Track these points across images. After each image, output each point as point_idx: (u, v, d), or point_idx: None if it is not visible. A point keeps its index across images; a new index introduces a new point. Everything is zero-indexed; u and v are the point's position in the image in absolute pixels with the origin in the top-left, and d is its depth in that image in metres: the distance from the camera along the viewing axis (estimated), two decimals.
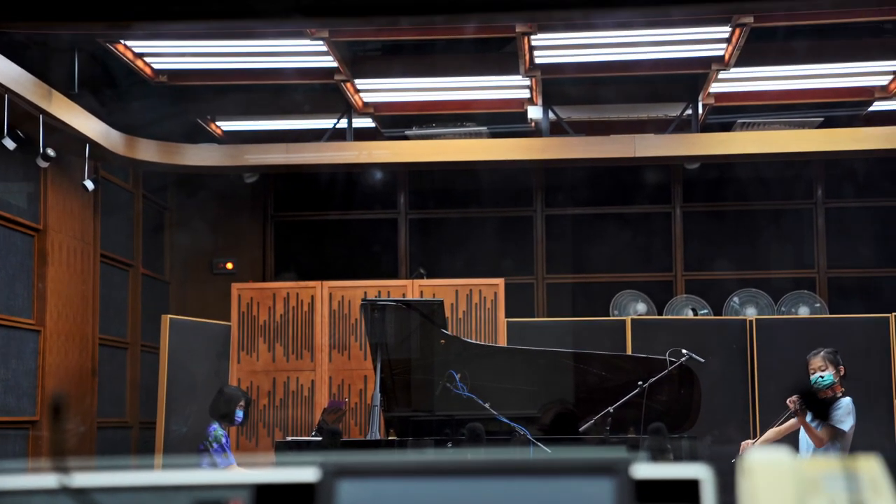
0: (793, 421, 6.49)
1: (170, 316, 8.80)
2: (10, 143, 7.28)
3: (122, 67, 8.50)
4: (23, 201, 8.18)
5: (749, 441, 6.62)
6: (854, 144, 9.19)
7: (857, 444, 6.45)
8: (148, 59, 8.47)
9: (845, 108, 9.76)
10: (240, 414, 7.64)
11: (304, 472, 1.69)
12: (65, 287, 8.57)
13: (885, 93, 9.10)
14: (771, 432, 6.59)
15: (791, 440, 6.48)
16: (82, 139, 8.23)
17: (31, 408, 8.04)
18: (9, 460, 7.55)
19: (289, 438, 8.10)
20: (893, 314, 8.96)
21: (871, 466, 1.46)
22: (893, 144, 9.13)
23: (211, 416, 7.71)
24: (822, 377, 6.38)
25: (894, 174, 10.54)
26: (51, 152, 7.67)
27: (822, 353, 6.49)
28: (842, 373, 6.47)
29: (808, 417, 6.27)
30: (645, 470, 1.62)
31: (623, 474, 1.59)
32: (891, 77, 8.90)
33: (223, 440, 7.48)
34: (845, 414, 6.29)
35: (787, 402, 6.33)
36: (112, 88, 8.94)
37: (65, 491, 1.66)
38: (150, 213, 10.50)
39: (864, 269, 10.66)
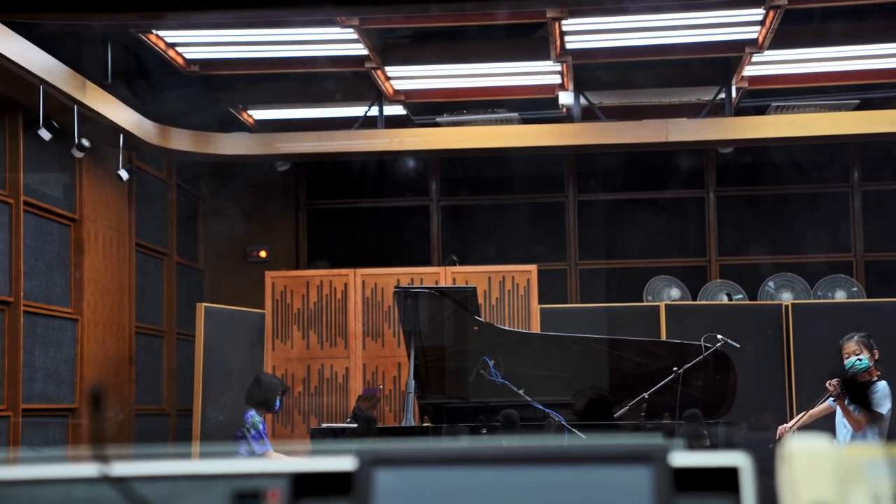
0: (827, 404, 6.45)
1: (205, 304, 8.86)
2: (45, 134, 7.34)
3: (154, 57, 8.54)
4: (59, 191, 8.25)
5: (786, 425, 6.57)
6: (891, 126, 9.09)
7: (894, 428, 6.40)
8: (180, 49, 8.50)
9: (882, 90, 9.65)
10: (277, 402, 7.69)
11: (341, 461, 1.70)
12: (101, 276, 8.65)
13: None
14: (806, 415, 6.55)
15: (829, 424, 6.44)
16: (116, 129, 8.29)
17: (70, 396, 8.13)
18: (49, 447, 7.64)
19: (324, 425, 8.14)
20: None
21: None
22: None
23: (247, 403, 7.75)
24: (858, 361, 6.34)
25: None
26: (86, 142, 7.73)
27: (855, 338, 6.46)
28: (876, 356, 6.45)
29: (846, 401, 6.23)
30: (683, 458, 1.61)
31: (661, 462, 1.58)
32: None
33: (260, 427, 7.53)
34: (883, 397, 6.26)
35: (827, 384, 6.29)
36: (145, 78, 9.00)
37: (105, 480, 1.68)
38: (184, 202, 10.56)
39: None
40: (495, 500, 1.60)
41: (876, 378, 6.38)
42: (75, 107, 7.59)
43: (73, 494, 1.73)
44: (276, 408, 7.72)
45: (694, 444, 6.49)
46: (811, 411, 6.54)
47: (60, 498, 1.72)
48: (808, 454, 1.45)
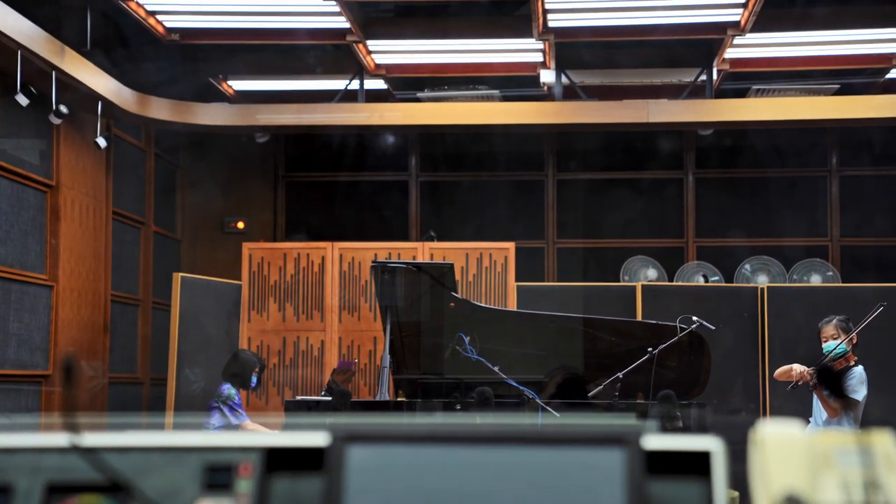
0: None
1: (181, 274, 8.82)
2: (23, 100, 7.27)
3: (134, 25, 8.46)
4: (36, 158, 8.18)
5: (805, 370, 6.26)
6: (870, 112, 9.12)
7: (869, 415, 6.41)
8: (160, 17, 8.42)
9: (862, 76, 9.68)
10: (254, 379, 7.68)
11: (314, 436, 1.69)
12: (77, 243, 8.59)
13: None
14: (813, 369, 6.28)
15: (805, 408, 6.46)
16: (95, 97, 8.21)
17: (44, 362, 8.09)
18: (22, 413, 7.61)
19: (298, 398, 8.14)
20: None
21: (884, 441, 1.45)
22: None
23: (222, 376, 7.74)
24: (834, 346, 6.30)
25: None
26: (63, 109, 7.66)
27: (834, 321, 6.39)
28: (854, 341, 6.39)
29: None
30: (656, 441, 1.61)
31: (634, 445, 1.58)
32: None
33: (236, 398, 7.53)
34: (858, 383, 6.21)
35: (805, 373, 6.25)
36: (124, 46, 8.91)
37: (76, 450, 1.67)
38: (162, 172, 10.49)
39: (878, 239, 10.60)
40: (468, 478, 1.60)
41: (853, 363, 6.31)
42: (54, 73, 7.51)
43: (43, 463, 1.71)
44: (253, 385, 7.71)
45: (667, 424, 6.52)
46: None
47: (30, 467, 1.71)
48: (780, 441, 1.46)
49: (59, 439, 1.70)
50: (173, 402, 8.48)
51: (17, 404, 7.73)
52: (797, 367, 6.27)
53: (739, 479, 1.84)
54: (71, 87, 7.83)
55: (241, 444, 1.73)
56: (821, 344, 6.42)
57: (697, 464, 1.61)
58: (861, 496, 1.40)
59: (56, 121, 7.77)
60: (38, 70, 7.41)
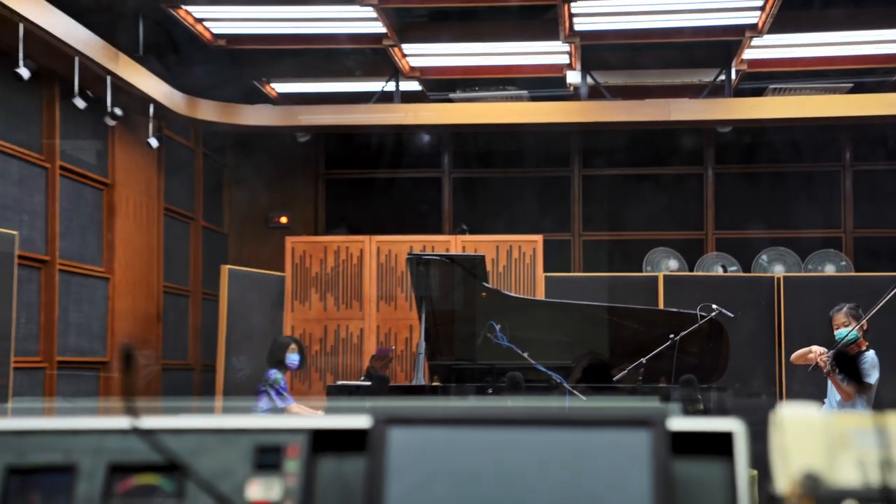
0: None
1: (228, 266, 8.88)
2: (80, 103, 7.34)
3: (183, 32, 8.52)
4: (92, 157, 8.26)
5: (824, 355, 6.22)
6: (882, 109, 9.03)
7: (882, 397, 6.36)
8: (207, 24, 8.48)
9: (875, 75, 9.57)
10: (293, 357, 7.65)
11: (357, 419, 1.71)
12: (132, 238, 8.67)
13: None
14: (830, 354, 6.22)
15: (822, 391, 6.41)
16: (147, 99, 8.28)
17: (102, 350, 8.18)
18: (82, 398, 7.70)
19: (339, 383, 8.17)
20: None
21: None
22: None
23: (267, 363, 7.78)
24: (846, 333, 6.27)
25: None
26: (118, 111, 7.73)
27: (844, 309, 6.36)
28: (865, 327, 6.36)
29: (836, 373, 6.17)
30: (680, 422, 1.61)
31: (660, 426, 1.58)
32: None
33: (282, 383, 7.57)
34: (871, 367, 6.18)
35: (819, 359, 6.20)
36: (174, 52, 8.97)
37: (136, 432, 1.69)
38: (210, 170, 10.57)
39: (891, 230, 10.49)
40: (501, 458, 1.61)
41: (865, 348, 6.28)
42: (108, 77, 7.59)
43: (105, 445, 1.74)
44: (295, 363, 7.67)
45: (689, 407, 6.49)
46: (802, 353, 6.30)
47: (94, 448, 1.74)
48: (799, 422, 1.45)
49: (120, 422, 1.72)
50: (222, 387, 8.54)
51: (78, 389, 7.82)
52: (816, 349, 6.23)
53: (759, 458, 1.83)
54: (124, 90, 7.91)
55: (289, 426, 1.74)
56: (833, 332, 6.38)
57: (720, 444, 1.61)
58: (877, 475, 1.39)
59: (111, 123, 7.85)
60: (95, 75, 7.48)
